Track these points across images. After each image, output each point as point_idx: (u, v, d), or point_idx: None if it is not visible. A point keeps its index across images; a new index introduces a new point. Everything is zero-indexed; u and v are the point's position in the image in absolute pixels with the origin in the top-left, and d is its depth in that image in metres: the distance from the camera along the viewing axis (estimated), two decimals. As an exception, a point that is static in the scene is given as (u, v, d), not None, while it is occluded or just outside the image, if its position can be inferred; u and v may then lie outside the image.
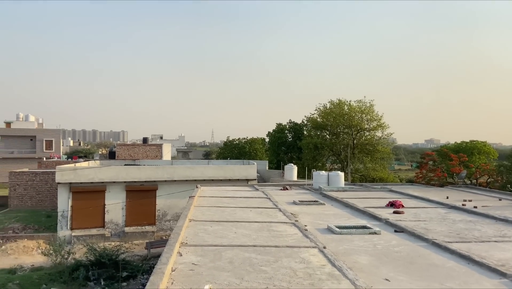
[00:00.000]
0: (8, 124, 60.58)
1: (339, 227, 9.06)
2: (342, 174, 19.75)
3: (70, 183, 25.04)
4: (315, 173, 19.65)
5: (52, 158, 48.77)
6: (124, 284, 17.42)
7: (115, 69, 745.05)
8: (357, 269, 6.27)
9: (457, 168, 22.63)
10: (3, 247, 22.91)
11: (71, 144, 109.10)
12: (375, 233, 8.83)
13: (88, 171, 26.03)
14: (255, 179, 27.89)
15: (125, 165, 31.75)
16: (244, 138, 51.68)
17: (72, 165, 28.33)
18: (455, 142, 32.40)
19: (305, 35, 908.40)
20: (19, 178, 32.71)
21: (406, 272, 6.22)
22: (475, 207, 12.42)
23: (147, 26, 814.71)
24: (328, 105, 39.63)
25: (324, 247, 7.36)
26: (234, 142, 51.59)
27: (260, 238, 8.23)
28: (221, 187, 18.57)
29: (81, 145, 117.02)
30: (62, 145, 64.92)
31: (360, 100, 38.20)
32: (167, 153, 50.22)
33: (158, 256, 11.62)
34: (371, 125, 37.89)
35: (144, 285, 15.48)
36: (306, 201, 13.68)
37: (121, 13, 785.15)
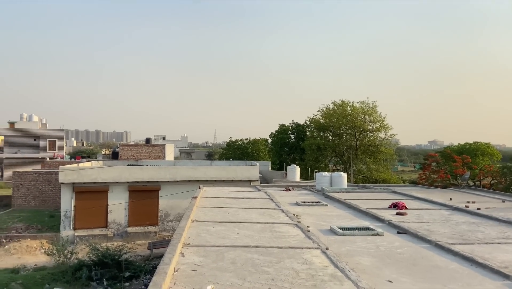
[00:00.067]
0: (12, 124, 60.82)
1: (342, 228, 9.03)
2: (345, 175, 19.67)
3: (73, 183, 25.13)
4: (317, 174, 19.58)
5: (56, 158, 48.96)
6: (127, 284, 17.45)
7: (119, 70, 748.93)
8: (359, 270, 6.25)
9: (461, 169, 22.56)
10: (7, 246, 23.00)
11: (74, 144, 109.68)
12: (378, 234, 8.80)
13: (91, 171, 26.12)
14: (257, 180, 27.89)
15: (128, 165, 31.80)
16: (247, 139, 51.77)
17: (75, 165, 28.44)
18: (459, 143, 32.39)
19: (308, 36, 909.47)
20: (22, 177, 32.79)
21: (409, 274, 6.21)
22: (479, 209, 12.36)
23: (150, 26, 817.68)
24: (331, 106, 39.67)
25: (327, 248, 7.34)
26: (237, 143, 51.66)
27: (262, 238, 8.22)
28: (224, 188, 18.53)
29: (84, 145, 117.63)
30: (66, 145, 65.09)
31: (363, 101, 38.21)
32: (170, 153, 50.31)
33: (160, 256, 11.62)
34: (374, 127, 37.85)
35: (146, 285, 15.46)
36: (308, 202, 13.64)
37: (125, 13, 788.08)
